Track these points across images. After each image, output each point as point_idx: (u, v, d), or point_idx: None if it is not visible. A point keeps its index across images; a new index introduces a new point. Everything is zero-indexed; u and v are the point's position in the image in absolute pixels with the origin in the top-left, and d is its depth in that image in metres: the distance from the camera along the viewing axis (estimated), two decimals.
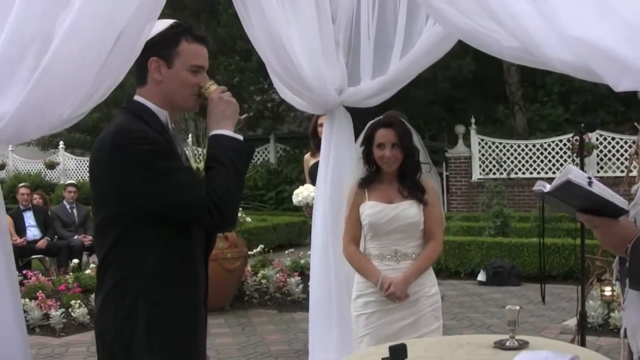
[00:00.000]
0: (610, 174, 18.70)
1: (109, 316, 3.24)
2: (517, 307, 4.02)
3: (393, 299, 4.97)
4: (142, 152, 3.10)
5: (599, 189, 2.98)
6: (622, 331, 3.35)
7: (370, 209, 5.09)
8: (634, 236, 3.04)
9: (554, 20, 2.84)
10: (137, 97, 3.35)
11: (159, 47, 3.29)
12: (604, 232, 3.10)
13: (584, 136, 6.27)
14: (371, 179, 5.17)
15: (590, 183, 2.97)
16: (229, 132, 3.27)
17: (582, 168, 5.56)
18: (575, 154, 5.80)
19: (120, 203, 3.17)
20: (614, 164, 19.04)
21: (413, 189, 5.10)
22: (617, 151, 19.00)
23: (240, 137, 3.30)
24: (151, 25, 3.55)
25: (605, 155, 19.20)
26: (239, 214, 11.59)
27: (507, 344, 3.91)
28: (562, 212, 14.80)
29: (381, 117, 5.18)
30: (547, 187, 3.06)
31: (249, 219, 12.40)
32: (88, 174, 3.36)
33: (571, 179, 2.94)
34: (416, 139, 5.18)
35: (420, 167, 5.17)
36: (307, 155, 8.68)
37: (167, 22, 3.37)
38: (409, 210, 5.06)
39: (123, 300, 3.20)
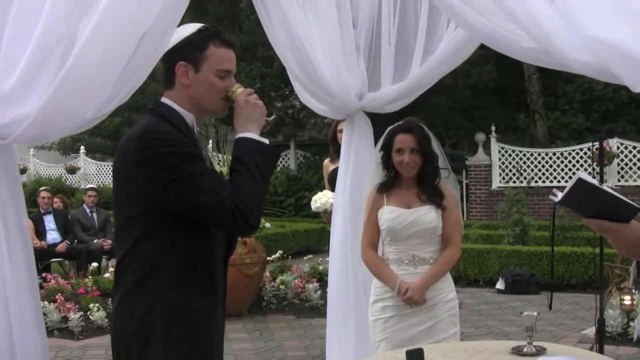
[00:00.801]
0: (631, 182, 18.63)
1: (126, 314, 3.24)
2: (535, 313, 4.01)
3: (410, 303, 4.97)
4: (168, 153, 3.10)
5: (610, 189, 2.99)
6: (635, 334, 3.33)
7: (389, 214, 5.09)
8: None
9: (572, 20, 2.83)
10: (163, 99, 3.34)
11: (186, 52, 3.27)
12: (616, 238, 3.08)
13: (604, 145, 6.24)
14: (390, 184, 5.17)
15: (601, 184, 2.99)
16: (254, 136, 3.25)
17: (601, 176, 5.53)
18: (595, 162, 5.77)
19: (143, 204, 3.17)
20: (635, 172, 18.95)
21: (432, 194, 5.09)
22: (639, 160, 18.91)
23: (266, 141, 3.28)
24: (173, 29, 3.56)
25: (626, 164, 19.12)
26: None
27: (525, 350, 3.90)
28: (582, 221, 14.81)
29: (400, 122, 5.17)
30: (559, 196, 3.04)
31: (268, 225, 12.43)
32: (111, 174, 3.36)
33: (582, 177, 2.93)
34: (435, 145, 5.17)
35: (439, 172, 5.16)
36: (326, 161, 8.68)
37: (195, 26, 3.34)
38: (428, 215, 5.05)
39: (141, 300, 3.20)
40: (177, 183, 3.10)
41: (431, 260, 5.06)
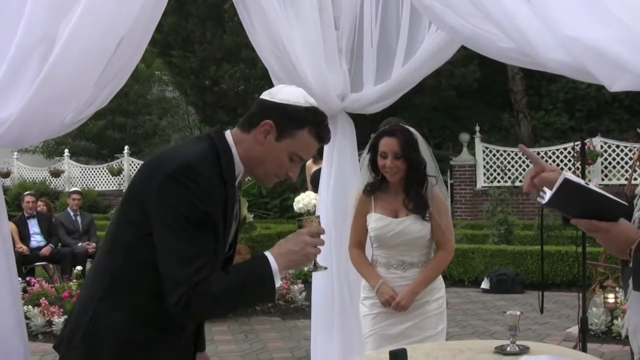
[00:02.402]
0: (614, 181, 18.70)
1: (80, 329, 3.11)
2: (518, 312, 4.02)
3: (399, 309, 4.96)
4: (187, 201, 2.92)
5: (596, 188, 3.00)
6: (623, 332, 3.35)
7: (376, 222, 5.07)
8: (637, 238, 3.02)
9: (549, 20, 2.85)
10: (228, 135, 3.18)
11: (283, 118, 3.10)
12: (605, 237, 3.09)
13: (587, 144, 6.26)
14: (377, 187, 5.13)
15: (587, 184, 3.00)
16: (276, 271, 3.03)
17: (582, 175, 5.55)
18: (579, 162, 5.80)
19: (145, 219, 3.02)
20: (618, 171, 19.02)
21: (418, 204, 5.02)
22: (622, 159, 18.99)
23: (279, 284, 3.08)
24: (151, 32, 3.54)
25: (610, 163, 19.19)
26: (247, 220, 11.60)
27: (508, 349, 3.90)
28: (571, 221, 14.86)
29: (388, 125, 5.12)
30: (546, 197, 3.03)
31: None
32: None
33: (567, 177, 2.94)
34: (425, 149, 5.08)
35: (426, 179, 5.07)
36: (309, 162, 8.70)
37: (309, 101, 3.17)
38: (414, 225, 5.01)
39: (104, 314, 3.08)
40: (168, 230, 2.93)
41: (420, 265, 5.06)
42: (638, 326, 3.13)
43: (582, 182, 2.99)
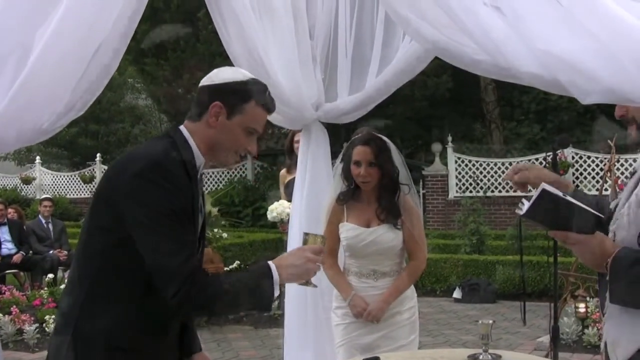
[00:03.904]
0: (586, 192, 18.78)
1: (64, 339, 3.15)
2: (490, 321, 4.05)
3: (371, 319, 4.97)
4: (159, 198, 2.97)
5: (574, 200, 3.03)
6: (602, 345, 3.37)
7: (348, 231, 5.08)
8: (613, 251, 3.06)
9: (523, 33, 2.87)
10: (183, 129, 3.25)
11: (228, 95, 3.20)
12: (581, 250, 3.12)
13: (559, 154, 6.31)
14: (350, 196, 5.14)
15: (564, 195, 3.03)
16: (277, 281, 3.10)
17: None
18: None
19: (119, 224, 3.04)
20: (589, 182, 19.16)
21: (390, 212, 5.04)
22: (593, 169, 19.14)
23: (277, 293, 3.13)
24: (128, 39, 3.53)
25: (581, 173, 19.34)
26: (215, 230, 11.59)
27: (480, 357, 3.93)
28: (538, 230, 14.94)
29: (360, 134, 5.15)
30: (524, 208, 3.06)
31: (225, 235, 12.38)
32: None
33: (546, 188, 2.98)
34: (398, 158, 5.12)
35: (399, 187, 5.10)
36: (283, 171, 8.69)
37: (245, 74, 3.30)
38: (386, 234, 5.02)
39: (84, 330, 3.09)
40: (147, 227, 2.97)
41: (392, 274, 5.06)
42: (616, 340, 3.15)
43: (560, 193, 3.02)
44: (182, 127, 3.26)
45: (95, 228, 3.15)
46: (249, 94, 3.22)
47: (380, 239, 5.01)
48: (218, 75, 3.28)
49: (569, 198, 3.02)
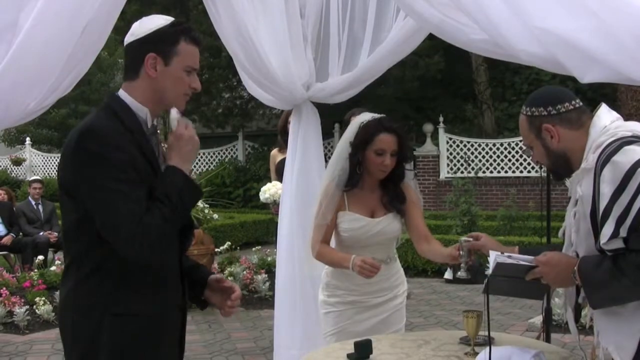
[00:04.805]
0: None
1: (68, 321, 3.20)
2: (471, 239, 4.15)
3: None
4: (101, 162, 3.02)
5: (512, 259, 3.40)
6: (600, 354, 3.41)
7: (351, 222, 4.81)
8: (576, 260, 3.22)
9: (521, 11, 2.84)
10: (120, 93, 3.27)
11: (158, 44, 3.22)
12: (547, 270, 3.31)
13: None
14: (355, 183, 4.83)
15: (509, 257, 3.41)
16: (185, 172, 3.21)
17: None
18: None
19: (75, 200, 3.10)
20: None
21: (395, 199, 4.84)
22: None
23: (194, 181, 3.26)
24: (115, 18, 3.50)
25: None
26: (206, 212, 11.55)
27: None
28: (530, 212, 14.96)
29: (379, 117, 4.85)
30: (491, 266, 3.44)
31: (216, 216, 12.34)
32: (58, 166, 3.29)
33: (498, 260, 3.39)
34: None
35: (404, 174, 4.91)
36: (274, 151, 8.65)
37: (166, 19, 3.30)
38: (393, 224, 4.83)
39: (83, 305, 3.14)
40: (97, 191, 3.03)
41: (388, 260, 4.90)
42: (619, 344, 3.20)
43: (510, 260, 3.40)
44: (120, 92, 3.30)
45: (68, 211, 3.19)
46: (177, 35, 3.25)
47: (387, 229, 4.81)
48: (140, 28, 3.29)
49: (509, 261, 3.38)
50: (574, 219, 3.30)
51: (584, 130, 3.22)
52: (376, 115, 4.90)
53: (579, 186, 3.25)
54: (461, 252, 4.19)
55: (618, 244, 3.03)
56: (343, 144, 4.90)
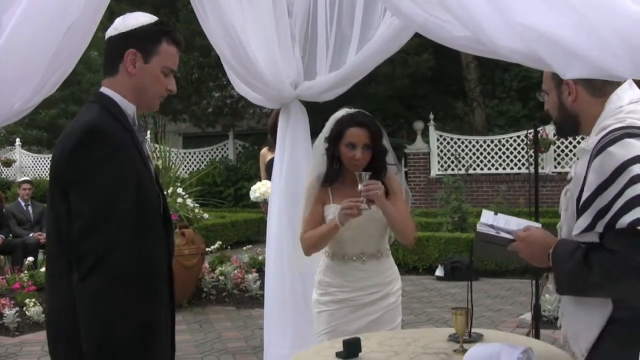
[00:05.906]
0: (567, 169, 18.85)
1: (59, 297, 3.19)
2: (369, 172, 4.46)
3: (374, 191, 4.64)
4: (107, 160, 3.05)
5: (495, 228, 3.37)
6: (561, 338, 3.41)
7: (336, 213, 4.75)
8: (554, 243, 3.13)
9: (502, 8, 2.83)
10: (105, 90, 3.29)
11: (139, 41, 3.25)
12: (523, 246, 3.24)
13: (540, 132, 6.28)
14: (334, 178, 4.88)
15: (492, 227, 3.37)
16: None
17: (536, 162, 5.57)
18: (532, 150, 5.81)
19: (68, 197, 3.08)
20: (571, 159, 19.18)
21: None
22: (575, 147, 19.15)
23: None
24: (99, 17, 3.49)
25: (563, 151, 19.36)
26: (197, 211, 11.53)
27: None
28: (520, 208, 14.98)
29: (351, 112, 4.87)
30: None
31: (206, 216, 12.32)
32: (49, 167, 3.28)
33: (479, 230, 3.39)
34: (385, 139, 4.91)
35: (386, 167, 4.89)
36: (264, 150, 8.64)
37: (149, 17, 3.32)
38: (377, 214, 4.76)
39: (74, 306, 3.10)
40: (95, 192, 3.04)
41: (379, 255, 4.90)
42: (578, 333, 3.17)
43: (491, 231, 3.38)
44: (103, 89, 3.31)
45: (61, 214, 3.15)
46: (159, 35, 3.28)
47: (371, 218, 4.75)
48: (123, 24, 3.30)
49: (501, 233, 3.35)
50: (565, 196, 3.24)
51: (603, 100, 3.13)
52: (351, 110, 4.91)
53: (575, 165, 3.20)
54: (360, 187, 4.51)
55: (592, 237, 2.94)
56: (320, 139, 4.97)
